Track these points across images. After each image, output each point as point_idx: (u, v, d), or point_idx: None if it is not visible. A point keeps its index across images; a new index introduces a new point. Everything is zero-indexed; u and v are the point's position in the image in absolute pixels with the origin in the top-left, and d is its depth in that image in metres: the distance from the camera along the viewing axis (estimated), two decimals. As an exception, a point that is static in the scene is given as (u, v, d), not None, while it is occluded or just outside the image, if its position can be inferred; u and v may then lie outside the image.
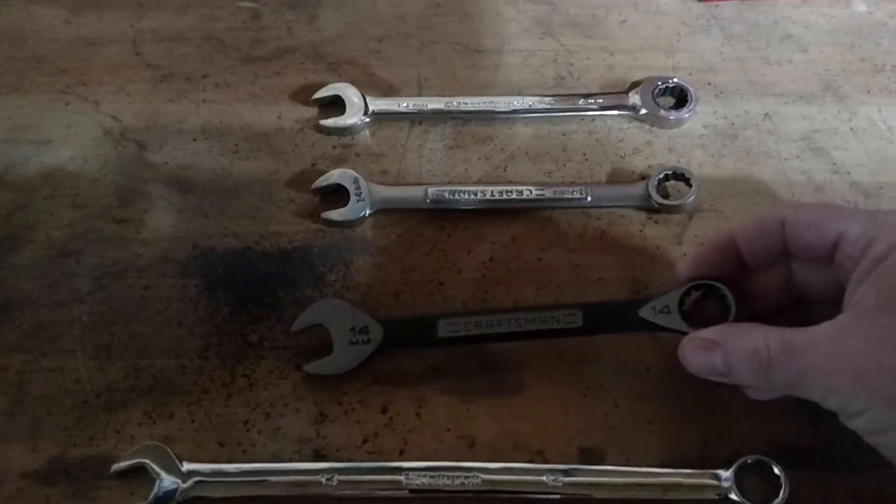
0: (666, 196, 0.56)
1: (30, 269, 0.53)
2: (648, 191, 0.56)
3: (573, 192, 0.56)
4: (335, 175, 0.56)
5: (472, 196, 0.56)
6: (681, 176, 0.56)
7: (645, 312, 0.48)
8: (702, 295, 0.48)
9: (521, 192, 0.56)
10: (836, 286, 0.44)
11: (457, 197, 0.56)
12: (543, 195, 0.56)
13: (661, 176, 0.56)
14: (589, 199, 0.56)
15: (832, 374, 0.39)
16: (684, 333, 0.46)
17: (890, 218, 0.42)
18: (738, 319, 0.46)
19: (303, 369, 0.48)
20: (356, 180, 0.56)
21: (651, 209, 0.56)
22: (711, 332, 0.44)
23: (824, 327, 0.40)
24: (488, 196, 0.56)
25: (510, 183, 0.57)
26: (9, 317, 0.51)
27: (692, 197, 0.55)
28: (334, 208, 0.55)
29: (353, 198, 0.55)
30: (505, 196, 0.56)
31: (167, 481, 0.45)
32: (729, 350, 0.43)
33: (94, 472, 0.46)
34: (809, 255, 0.45)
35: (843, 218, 0.43)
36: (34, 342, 0.50)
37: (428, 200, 0.56)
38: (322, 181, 0.56)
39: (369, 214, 0.56)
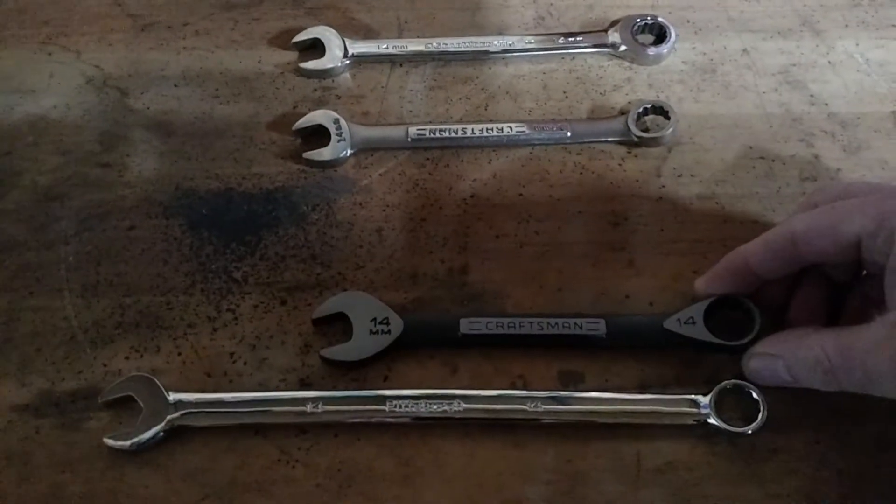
0: (645, 130, 0.57)
1: (16, 213, 0.54)
2: (628, 125, 0.56)
3: (553, 128, 0.57)
4: (316, 116, 0.57)
5: (454, 134, 0.57)
6: (659, 109, 0.57)
7: (669, 324, 0.48)
8: (726, 306, 0.48)
9: (502, 129, 0.57)
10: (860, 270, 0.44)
11: (438, 135, 0.57)
12: (524, 132, 0.57)
13: (641, 110, 0.57)
14: (569, 134, 0.57)
15: None
16: (709, 345, 0.47)
17: None
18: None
19: (320, 354, 0.48)
20: (337, 121, 0.56)
21: (631, 143, 0.57)
22: (770, 346, 0.45)
23: (877, 328, 0.40)
24: (469, 134, 0.57)
25: (491, 121, 0.58)
26: (-4, 258, 0.52)
27: (670, 129, 0.56)
28: (315, 149, 0.56)
29: (333, 138, 0.56)
30: (486, 134, 0.57)
31: (154, 411, 0.46)
32: (790, 362, 0.43)
33: (83, 404, 0.47)
34: (830, 261, 0.44)
35: (853, 217, 0.42)
36: (22, 282, 0.51)
37: (409, 139, 0.56)
38: (303, 122, 0.56)
39: (350, 154, 0.56)
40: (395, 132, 0.57)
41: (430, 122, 0.57)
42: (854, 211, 0.42)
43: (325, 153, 0.55)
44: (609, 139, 0.57)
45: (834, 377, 0.41)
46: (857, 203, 0.42)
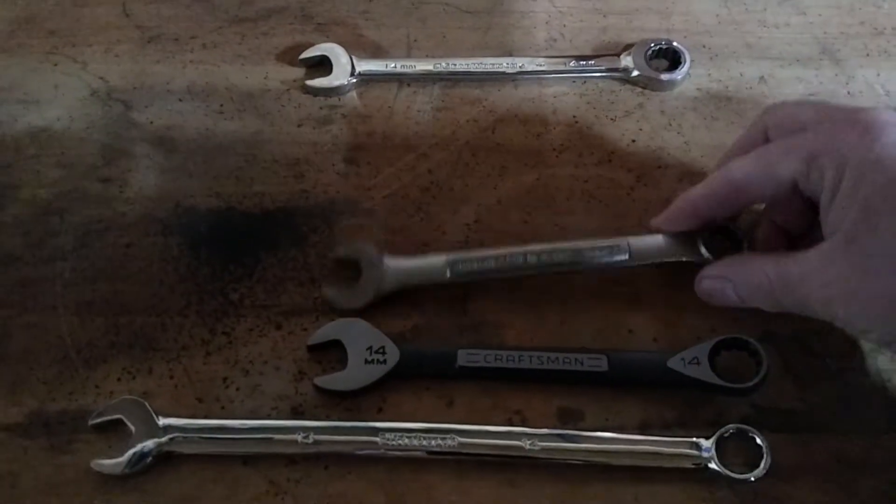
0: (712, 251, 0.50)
1: (14, 226, 0.53)
2: (699, 245, 0.49)
3: (611, 247, 0.50)
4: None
5: (493, 265, 0.49)
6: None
7: (673, 363, 0.47)
8: (734, 347, 0.47)
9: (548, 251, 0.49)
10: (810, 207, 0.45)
11: (476, 267, 0.50)
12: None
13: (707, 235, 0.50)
14: (627, 257, 0.49)
15: (828, 302, 0.42)
16: (714, 386, 0.46)
17: (827, 140, 0.42)
18: None
19: (314, 382, 0.47)
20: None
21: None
22: (720, 269, 0.47)
23: (812, 256, 0.42)
24: (511, 263, 0.49)
25: (534, 241, 0.50)
26: (-8, 273, 0.51)
27: None
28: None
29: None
30: (529, 260, 0.49)
31: (143, 435, 0.45)
32: (738, 284, 0.46)
33: (73, 425, 0.46)
34: (772, 201, 0.47)
35: (786, 160, 0.44)
36: (17, 298, 0.50)
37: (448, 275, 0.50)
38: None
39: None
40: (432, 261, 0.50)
41: (468, 250, 0.51)
42: (786, 153, 0.44)
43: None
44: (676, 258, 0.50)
45: (775, 300, 0.44)
46: (790, 144, 0.44)
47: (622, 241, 0.50)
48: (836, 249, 0.41)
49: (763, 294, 0.45)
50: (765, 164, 0.45)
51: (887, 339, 0.42)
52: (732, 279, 0.46)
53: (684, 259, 0.49)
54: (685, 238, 0.49)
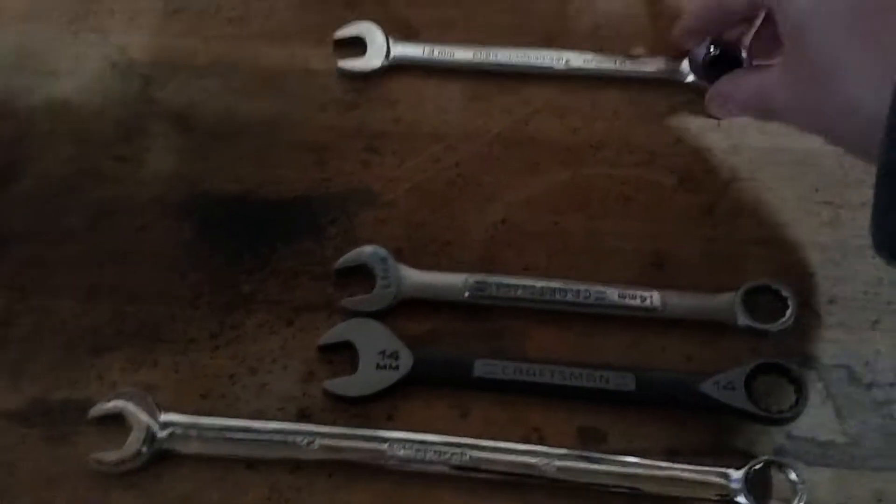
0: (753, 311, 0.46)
1: (24, 203, 0.52)
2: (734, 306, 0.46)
3: (639, 296, 0.47)
4: (362, 254, 0.49)
5: (519, 294, 0.47)
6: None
7: (707, 387, 0.44)
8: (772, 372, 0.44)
9: (579, 291, 0.47)
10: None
11: (501, 293, 0.47)
12: (603, 296, 0.47)
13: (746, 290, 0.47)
14: (659, 306, 0.47)
15: (789, 108, 0.46)
16: (749, 414, 0.43)
17: None
18: None
19: (323, 386, 0.45)
20: (385, 260, 0.48)
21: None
22: (721, 87, 0.52)
23: (776, 66, 0.47)
24: (539, 297, 0.47)
25: (566, 277, 0.48)
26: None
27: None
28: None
29: (379, 283, 0.48)
30: (556, 297, 0.47)
31: (143, 431, 0.43)
32: (735, 99, 0.51)
33: (74, 416, 0.44)
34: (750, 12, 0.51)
35: None
36: (23, 279, 0.49)
37: (466, 294, 0.48)
38: (345, 261, 0.49)
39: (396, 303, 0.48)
40: (450, 280, 0.48)
41: (492, 273, 0.48)
42: None
43: (368, 302, 0.47)
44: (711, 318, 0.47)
45: (762, 109, 0.49)
46: None
47: (654, 293, 0.47)
48: (786, 57, 0.45)
49: (753, 104, 0.50)
50: None
51: (854, 148, 0.43)
52: (731, 95, 0.51)
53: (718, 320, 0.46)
54: (721, 300, 0.47)
